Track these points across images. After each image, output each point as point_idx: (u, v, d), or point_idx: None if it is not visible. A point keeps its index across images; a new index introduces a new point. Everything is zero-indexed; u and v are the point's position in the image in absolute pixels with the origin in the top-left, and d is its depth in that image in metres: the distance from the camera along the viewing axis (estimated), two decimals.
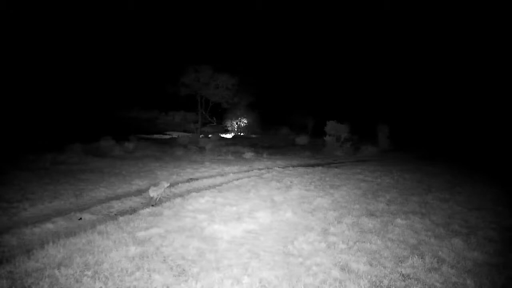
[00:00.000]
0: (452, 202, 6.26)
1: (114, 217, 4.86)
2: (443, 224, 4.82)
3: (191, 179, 8.39)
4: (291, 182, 8.13)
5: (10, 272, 2.88)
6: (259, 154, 15.59)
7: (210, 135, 25.64)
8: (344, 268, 3.20)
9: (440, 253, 3.67)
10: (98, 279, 2.81)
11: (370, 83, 39.42)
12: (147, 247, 3.55)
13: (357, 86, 40.10)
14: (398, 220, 4.92)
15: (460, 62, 34.90)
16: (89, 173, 8.46)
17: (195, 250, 3.55)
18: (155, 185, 5.91)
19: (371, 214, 5.26)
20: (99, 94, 28.76)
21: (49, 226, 4.32)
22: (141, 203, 5.79)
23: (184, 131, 27.47)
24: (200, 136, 24.91)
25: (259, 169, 10.88)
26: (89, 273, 2.91)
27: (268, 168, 11.03)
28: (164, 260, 3.27)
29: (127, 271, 2.97)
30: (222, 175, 9.18)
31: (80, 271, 2.93)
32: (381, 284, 2.92)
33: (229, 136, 30.41)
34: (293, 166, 11.82)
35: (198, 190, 6.95)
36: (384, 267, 3.25)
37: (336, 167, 11.81)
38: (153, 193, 5.73)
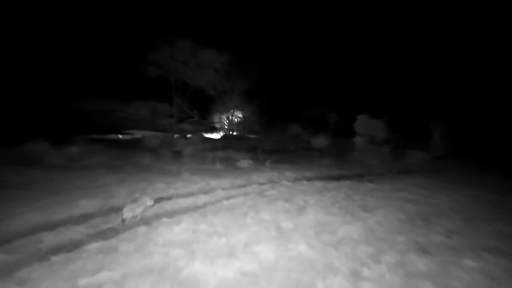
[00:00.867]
0: None
1: (44, 256, 4.73)
2: None
3: (162, 198, 8.30)
4: (305, 202, 8.09)
5: None
6: (260, 162, 15.55)
7: (190, 135, 25.67)
8: None
9: None
10: None
11: (416, 63, 39.59)
12: None
13: (398, 68, 40.34)
14: (466, 261, 4.82)
15: None
16: (10, 191, 8.30)
17: None
18: (134, 200, 6.06)
19: (423, 251, 5.17)
20: (27, 77, 28.40)
21: None
22: (88, 234, 5.66)
23: (153, 129, 27.48)
24: (176, 136, 24.90)
25: (260, 183, 10.83)
26: None
27: (272, 182, 10.98)
28: None
29: None
30: (206, 192, 9.13)
31: None
32: None
33: (217, 136, 30.44)
34: (308, 179, 11.79)
35: (172, 214, 6.89)
36: None
37: (369, 181, 11.79)
38: (129, 213, 5.91)
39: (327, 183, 11.00)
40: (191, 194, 8.88)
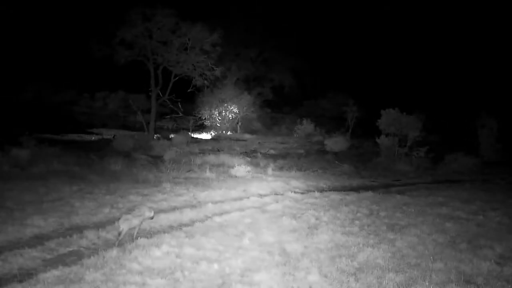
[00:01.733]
0: None
1: None
2: None
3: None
4: (317, 218, 8.08)
5: None
6: (260, 169, 15.53)
7: (172, 135, 25.67)
8: None
9: None
10: None
11: (459, 47, 39.48)
12: None
13: (437, 52, 40.17)
14: None
15: None
16: None
17: None
18: (130, 210, 6.25)
19: (466, 281, 5.17)
20: None
21: None
22: (43, 259, 5.66)
23: (126, 127, 27.50)
24: (155, 136, 24.92)
25: (260, 195, 10.86)
26: None
27: (276, 194, 11.00)
28: None
29: None
30: (194, 207, 9.17)
31: None
32: None
33: (207, 136, 30.44)
34: (321, 191, 11.81)
35: (150, 233, 6.90)
36: None
37: (399, 193, 11.79)
38: (124, 224, 5.99)
39: (344, 195, 10.96)
40: (174, 208, 8.89)
